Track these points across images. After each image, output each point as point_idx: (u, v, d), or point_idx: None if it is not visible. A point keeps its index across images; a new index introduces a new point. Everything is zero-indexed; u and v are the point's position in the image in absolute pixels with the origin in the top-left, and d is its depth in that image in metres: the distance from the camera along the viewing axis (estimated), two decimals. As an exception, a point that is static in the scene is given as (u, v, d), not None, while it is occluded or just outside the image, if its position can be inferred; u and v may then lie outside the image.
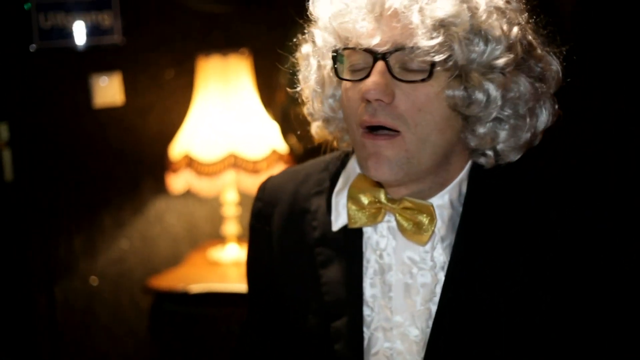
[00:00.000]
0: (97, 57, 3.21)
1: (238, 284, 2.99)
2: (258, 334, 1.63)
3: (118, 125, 3.29)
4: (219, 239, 3.37)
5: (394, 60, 1.30)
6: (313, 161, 1.62)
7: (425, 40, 1.27)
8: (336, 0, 1.36)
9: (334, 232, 1.49)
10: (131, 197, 3.35)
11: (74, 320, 3.26)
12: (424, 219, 1.38)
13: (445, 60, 1.28)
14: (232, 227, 3.25)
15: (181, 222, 3.46)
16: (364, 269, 1.46)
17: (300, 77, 1.49)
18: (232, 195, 3.22)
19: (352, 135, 1.39)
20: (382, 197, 1.42)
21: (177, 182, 3.13)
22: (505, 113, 1.36)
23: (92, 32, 3.17)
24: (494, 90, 1.32)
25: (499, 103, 1.33)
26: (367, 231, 1.47)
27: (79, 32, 3.15)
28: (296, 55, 1.50)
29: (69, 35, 3.13)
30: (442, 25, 1.27)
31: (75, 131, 3.20)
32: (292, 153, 3.23)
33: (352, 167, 1.52)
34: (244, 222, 3.28)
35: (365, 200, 1.44)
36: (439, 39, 1.26)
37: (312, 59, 1.45)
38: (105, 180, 3.28)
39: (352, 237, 1.47)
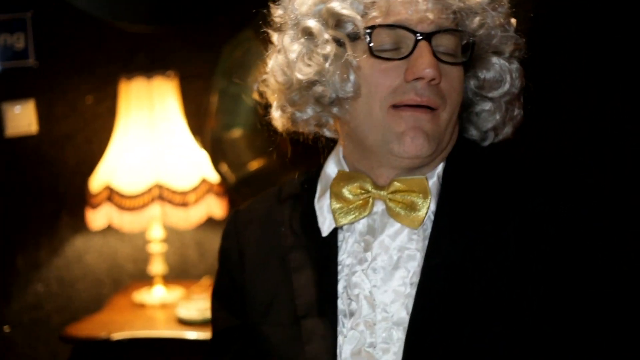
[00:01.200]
0: (9, 82, 3.07)
1: (166, 330, 2.82)
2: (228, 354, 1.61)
3: (32, 156, 3.14)
4: (144, 280, 3.19)
5: (434, 42, 1.37)
6: (283, 182, 1.65)
7: (473, 23, 1.40)
8: None
9: (308, 238, 1.51)
10: (47, 235, 3.19)
11: (-15, 374, 3.08)
12: (417, 198, 1.42)
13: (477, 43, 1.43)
14: (158, 266, 3.06)
15: (103, 262, 3.30)
16: (340, 267, 1.46)
17: (294, 57, 1.43)
18: (158, 231, 3.04)
19: (373, 113, 1.40)
20: (369, 185, 1.45)
21: (98, 217, 2.94)
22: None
23: (3, 55, 3.02)
24: (515, 72, 1.49)
25: (519, 85, 1.50)
26: (352, 227, 1.48)
27: (-11, 55, 2.98)
28: (284, 38, 1.45)
29: (-23, 58, 2.97)
30: (484, 9, 1.41)
31: (-16, 163, 3.05)
32: (224, 183, 3.07)
33: (327, 172, 1.54)
34: (170, 261, 3.17)
35: (349, 194, 1.46)
36: (489, 21, 1.41)
37: (325, 36, 1.41)
38: (18, 217, 3.13)
39: (327, 239, 1.48)
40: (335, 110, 1.44)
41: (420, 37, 1.36)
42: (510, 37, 1.46)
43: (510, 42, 1.46)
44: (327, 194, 1.50)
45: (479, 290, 1.36)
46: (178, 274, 3.23)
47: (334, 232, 1.48)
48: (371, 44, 1.37)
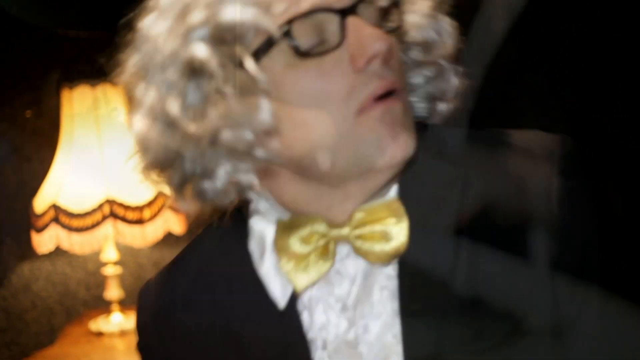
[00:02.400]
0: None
1: (126, 360, 2.68)
2: None
3: (-32, 179, 3.02)
4: (100, 306, 3.07)
5: (363, 16, 1.11)
6: (190, 249, 1.33)
7: None
8: None
9: (261, 311, 1.20)
10: (-11, 265, 3.07)
11: None
12: (390, 226, 1.14)
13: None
14: (114, 291, 2.92)
15: (53, 290, 3.18)
16: (307, 325, 1.18)
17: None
18: (111, 252, 2.89)
19: (338, 131, 1.09)
20: (322, 226, 1.16)
21: (44, 241, 2.75)
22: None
23: None
24: (447, 26, 1.25)
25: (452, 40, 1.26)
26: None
27: None
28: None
29: None
30: None
31: None
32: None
33: (258, 229, 1.23)
34: (127, 285, 3.03)
35: (300, 247, 1.16)
36: None
37: (214, 64, 1.09)
38: (-45, 247, 3.01)
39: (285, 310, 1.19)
40: (261, 153, 1.12)
41: (346, 13, 1.08)
42: None
43: None
44: (269, 256, 1.20)
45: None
46: (136, 298, 3.05)
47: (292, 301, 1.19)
48: (296, 43, 1.07)
